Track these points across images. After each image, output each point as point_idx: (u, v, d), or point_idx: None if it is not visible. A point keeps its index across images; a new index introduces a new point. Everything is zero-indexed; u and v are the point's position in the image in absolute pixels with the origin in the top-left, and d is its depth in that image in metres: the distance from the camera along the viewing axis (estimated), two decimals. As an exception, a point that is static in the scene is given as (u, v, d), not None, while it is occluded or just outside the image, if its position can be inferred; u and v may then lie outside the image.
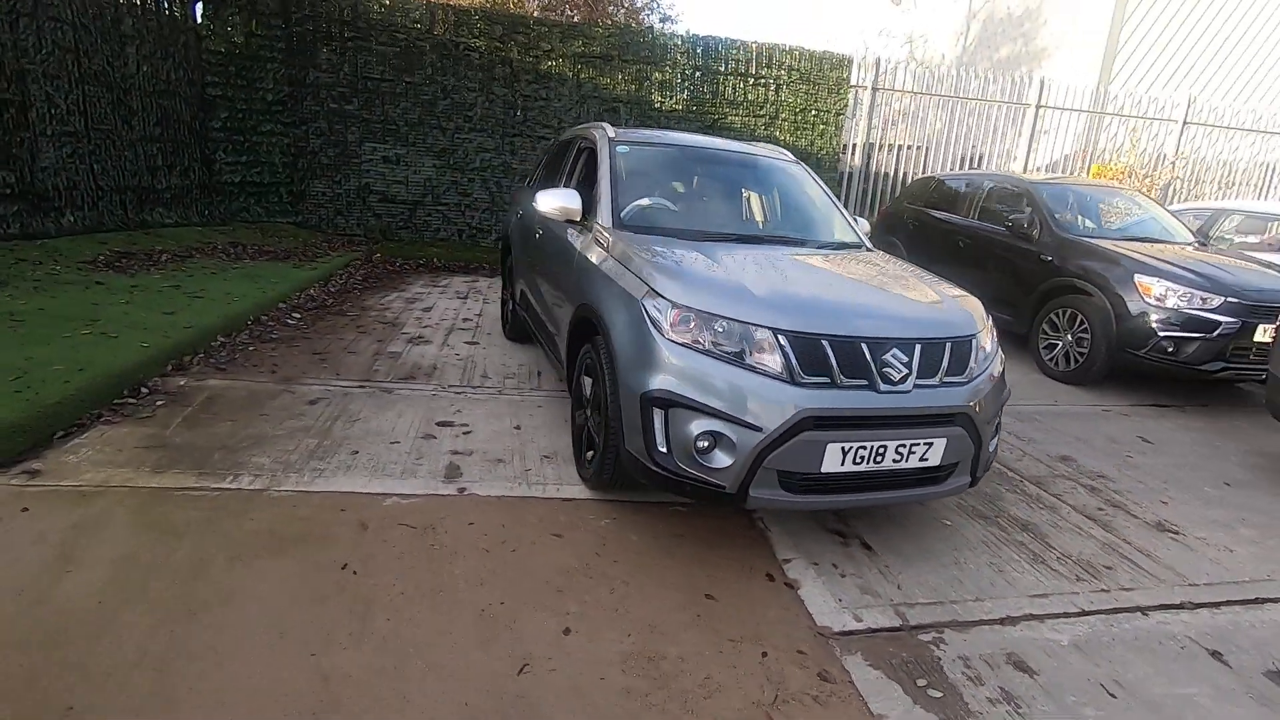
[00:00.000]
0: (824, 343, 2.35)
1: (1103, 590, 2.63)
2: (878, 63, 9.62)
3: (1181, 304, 4.77)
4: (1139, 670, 2.19)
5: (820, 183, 3.97)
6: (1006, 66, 13.45)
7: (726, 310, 2.39)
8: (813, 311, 2.46)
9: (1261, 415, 4.92)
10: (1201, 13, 12.17)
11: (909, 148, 10.16)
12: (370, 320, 5.48)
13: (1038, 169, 10.47)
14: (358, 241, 8.61)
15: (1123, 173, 9.80)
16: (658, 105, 9.12)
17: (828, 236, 3.57)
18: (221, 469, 2.86)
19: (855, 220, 3.80)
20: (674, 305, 2.44)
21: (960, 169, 10.03)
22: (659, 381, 2.39)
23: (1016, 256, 5.93)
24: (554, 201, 3.33)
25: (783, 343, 2.33)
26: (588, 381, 2.97)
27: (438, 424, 3.54)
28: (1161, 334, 4.79)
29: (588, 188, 3.80)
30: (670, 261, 2.75)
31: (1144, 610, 2.52)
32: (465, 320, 5.76)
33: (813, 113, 9.55)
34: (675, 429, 2.37)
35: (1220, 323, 4.67)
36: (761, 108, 9.40)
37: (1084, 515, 3.22)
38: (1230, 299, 4.68)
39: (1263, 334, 4.63)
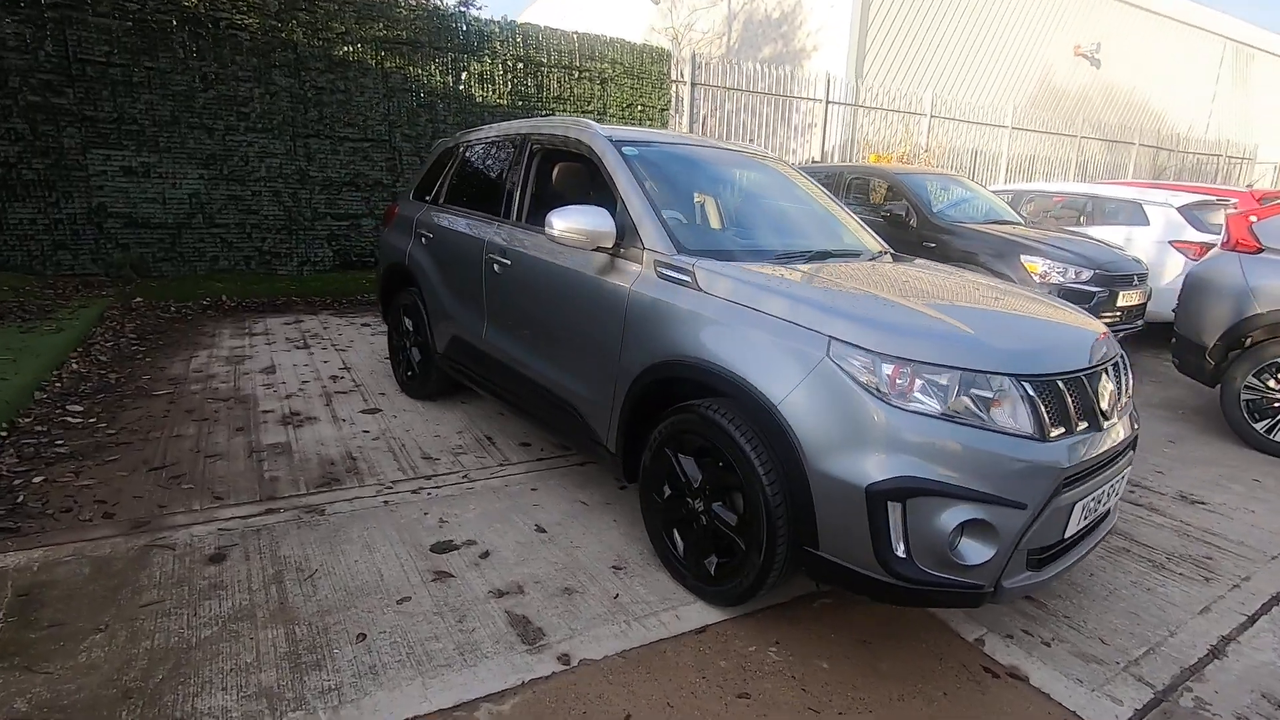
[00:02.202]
0: (1059, 383, 1.92)
1: (1232, 586, 2.60)
2: (693, 57, 9.58)
3: (1062, 280, 5.26)
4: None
5: (815, 182, 3.55)
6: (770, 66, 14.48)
7: (953, 357, 1.83)
8: (1037, 346, 2.01)
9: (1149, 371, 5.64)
10: (932, 17, 14.17)
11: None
12: (199, 398, 3.90)
13: (812, 159, 11.29)
14: (100, 283, 6.35)
15: (900, 160, 10.99)
16: (479, 100, 8.07)
17: (863, 244, 3.16)
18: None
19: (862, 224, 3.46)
20: (885, 358, 1.82)
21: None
22: (893, 465, 1.76)
23: (896, 247, 6.14)
24: (576, 223, 2.46)
25: (1028, 391, 1.84)
26: (685, 463, 2.22)
27: (434, 550, 2.47)
28: (1050, 308, 5.24)
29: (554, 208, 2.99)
30: (833, 297, 2.11)
31: (1285, 601, 2.52)
32: (334, 378, 4.40)
33: (639, 108, 9.21)
34: (918, 524, 1.77)
35: (1094, 293, 5.22)
36: (589, 103, 8.82)
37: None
38: (1098, 271, 5.26)
39: (1125, 299, 5.28)
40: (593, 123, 2.97)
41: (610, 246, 2.51)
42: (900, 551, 1.79)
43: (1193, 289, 4.21)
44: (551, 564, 2.44)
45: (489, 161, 3.53)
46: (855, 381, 1.82)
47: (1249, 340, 3.96)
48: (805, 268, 2.46)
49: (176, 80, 6.55)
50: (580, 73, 8.67)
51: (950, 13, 14.12)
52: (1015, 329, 2.15)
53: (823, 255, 2.73)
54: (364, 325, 5.94)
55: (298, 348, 5.10)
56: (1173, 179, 17.49)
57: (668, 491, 2.34)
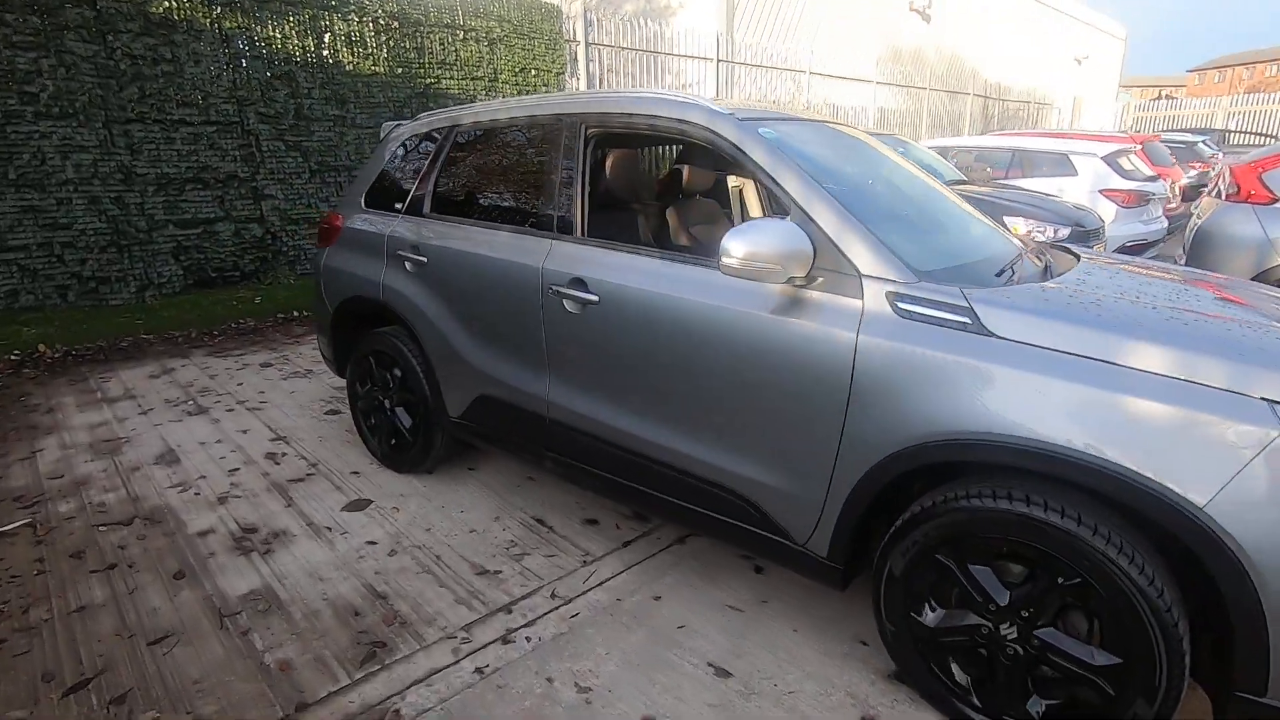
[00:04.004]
0: None
1: None
2: (585, 14, 8.61)
3: (1043, 238, 5.16)
4: None
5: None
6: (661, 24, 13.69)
7: None
8: None
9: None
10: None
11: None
12: (81, 526, 2.63)
13: None
14: None
15: (797, 121, 10.79)
16: (350, 68, 6.64)
17: (1009, 238, 2.57)
18: None
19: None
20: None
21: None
22: None
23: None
24: (767, 246, 1.69)
25: None
26: (979, 575, 1.59)
27: (609, 751, 1.66)
28: (1035, 270, 5.14)
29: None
30: (1234, 335, 1.52)
31: None
32: (273, 458, 3.23)
33: (533, 72, 8.14)
34: None
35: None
36: (479, 68, 7.63)
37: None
38: (1074, 227, 5.21)
39: (1098, 249, 5.30)
40: (699, 98, 2.15)
41: (802, 275, 1.76)
42: None
43: (1205, 243, 4.18)
44: (780, 732, 1.72)
45: (513, 155, 2.57)
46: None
47: (1270, 292, 3.98)
48: (1067, 282, 1.86)
49: (-85, 50, 4.64)
50: (466, 33, 7.43)
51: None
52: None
53: (1017, 261, 2.15)
54: (265, 366, 4.61)
55: (190, 414, 3.77)
56: (996, 126, 19.12)
57: (933, 612, 1.70)
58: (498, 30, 7.70)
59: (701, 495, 2.06)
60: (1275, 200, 3.95)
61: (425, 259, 2.66)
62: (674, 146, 3.70)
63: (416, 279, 2.71)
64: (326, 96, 6.51)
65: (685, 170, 3.02)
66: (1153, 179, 6.70)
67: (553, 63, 8.28)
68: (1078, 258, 2.27)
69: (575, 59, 8.65)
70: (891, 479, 1.68)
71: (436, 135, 2.82)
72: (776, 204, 1.95)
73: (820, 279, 1.78)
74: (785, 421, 1.82)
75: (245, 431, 3.53)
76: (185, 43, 5.67)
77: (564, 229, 2.30)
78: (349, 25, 6.57)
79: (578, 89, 8.75)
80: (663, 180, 3.02)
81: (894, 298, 1.68)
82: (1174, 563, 1.47)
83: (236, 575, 2.34)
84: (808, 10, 14.07)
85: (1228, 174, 4.28)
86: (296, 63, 6.30)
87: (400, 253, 2.76)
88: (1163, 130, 18.50)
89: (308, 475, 3.06)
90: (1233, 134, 17.95)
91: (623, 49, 9.15)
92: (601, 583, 2.32)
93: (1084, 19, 25.67)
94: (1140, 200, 6.33)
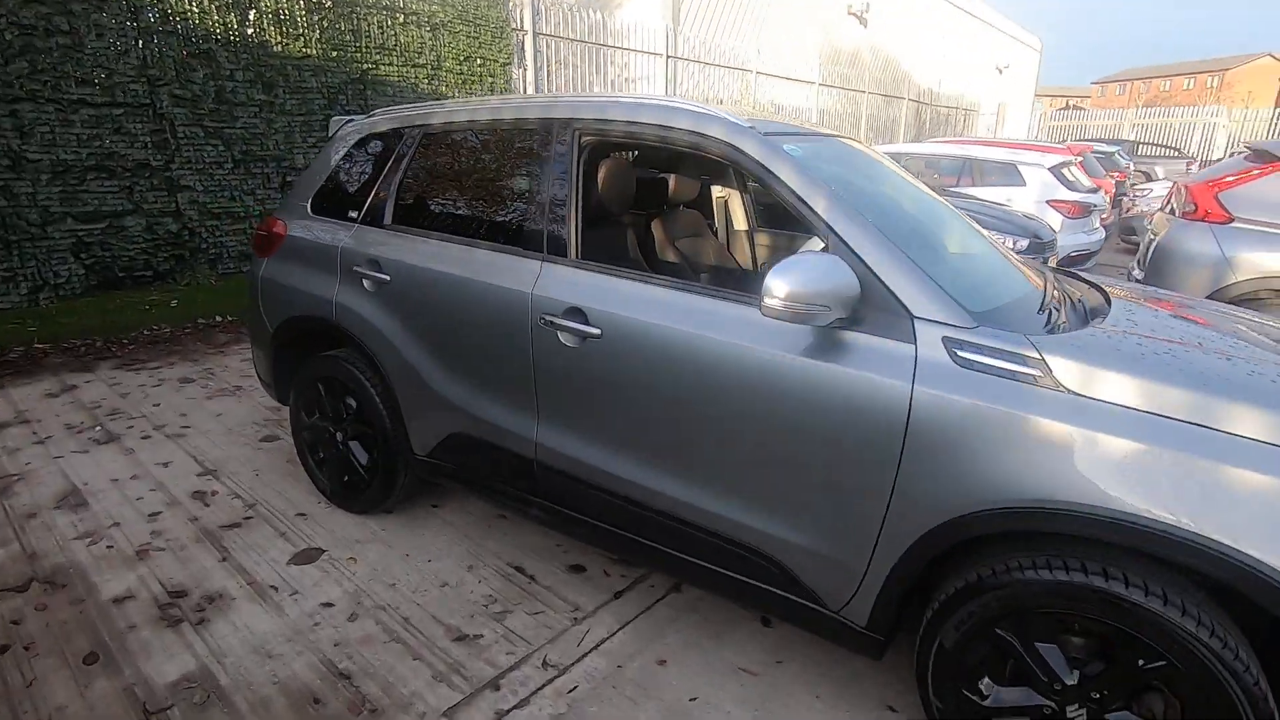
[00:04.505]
0: None
1: None
2: (533, 2, 8.22)
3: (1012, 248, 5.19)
4: None
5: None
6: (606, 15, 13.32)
7: None
8: None
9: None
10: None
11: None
12: (-37, 594, 2.19)
13: None
14: None
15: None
16: (278, 49, 6.07)
17: (1028, 277, 2.44)
18: None
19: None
20: None
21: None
22: None
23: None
24: (815, 284, 1.48)
25: None
26: (1046, 653, 1.45)
27: None
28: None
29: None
30: None
31: None
32: (200, 497, 2.82)
33: (479, 61, 7.71)
34: None
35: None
36: (420, 54, 7.15)
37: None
38: (1033, 239, 5.28)
39: (1050, 262, 5.38)
40: (717, 109, 1.92)
41: (847, 315, 1.56)
42: None
43: (1164, 260, 4.26)
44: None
45: (494, 162, 2.26)
46: None
47: (1225, 309, 4.08)
48: (1121, 325, 1.72)
49: None
50: (407, 16, 6.95)
51: (756, -34, 14.07)
52: None
53: (1052, 299, 2.01)
54: (185, 382, 4.11)
55: (99, 443, 3.29)
56: (929, 130, 19.71)
57: (991, 693, 1.54)
58: (441, 15, 7.24)
59: (720, 553, 1.85)
60: (1231, 219, 4.05)
61: (388, 277, 2.34)
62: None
63: (377, 300, 2.37)
64: (251, 79, 5.93)
65: (672, 180, 2.79)
66: (1094, 190, 6.91)
67: (499, 52, 7.87)
68: (1103, 293, 2.16)
69: (523, 49, 8.26)
70: (948, 547, 1.51)
71: (401, 135, 2.48)
72: (792, 224, 1.76)
73: (865, 319, 1.59)
74: (825, 478, 1.63)
75: (166, 464, 3.09)
76: (85, 13, 5.02)
77: (556, 249, 2.03)
78: (276, 1, 6.00)
79: (525, 80, 8.37)
80: (644, 188, 2.78)
81: (951, 344, 1.51)
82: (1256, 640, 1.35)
83: (164, 655, 1.97)
84: (751, 7, 14.04)
85: (1184, 192, 4.38)
86: (217, 40, 5.70)
87: (357, 268, 2.42)
88: (1075, 139, 19.51)
89: (245, 519, 2.68)
90: (1140, 145, 19.10)
91: (573, 40, 8.82)
92: (598, 645, 2.08)
93: (1005, 30, 26.82)
94: (1084, 212, 6.51)
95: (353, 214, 2.52)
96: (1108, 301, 2.01)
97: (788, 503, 1.70)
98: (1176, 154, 18.82)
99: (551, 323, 1.96)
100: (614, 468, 1.97)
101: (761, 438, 1.69)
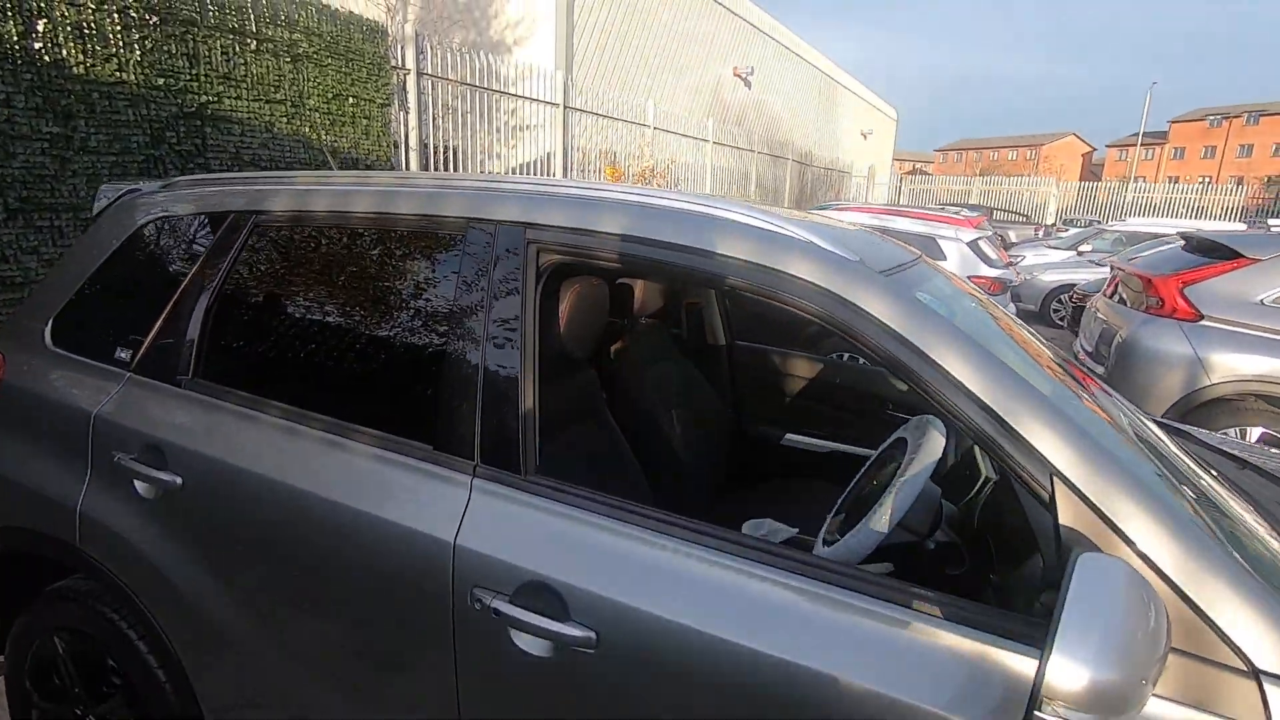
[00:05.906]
0: None
1: None
2: (417, 38, 7.28)
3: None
4: None
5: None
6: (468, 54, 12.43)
7: None
8: None
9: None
10: (629, 27, 13.64)
11: (457, 150, 8.26)
12: None
13: (524, 167, 9.69)
14: None
15: (647, 173, 10.22)
16: (77, 70, 4.74)
17: None
18: None
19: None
20: None
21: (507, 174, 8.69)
22: None
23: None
24: (1133, 652, 0.69)
25: None
26: None
27: None
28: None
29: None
30: None
31: None
32: None
33: (351, 100, 6.64)
34: None
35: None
36: (278, 89, 5.99)
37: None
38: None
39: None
40: (796, 230, 1.12)
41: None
42: None
43: (1130, 359, 3.96)
44: None
45: (381, 286, 1.33)
46: None
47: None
48: None
49: None
50: (260, 43, 5.79)
51: (644, 25, 13.97)
52: None
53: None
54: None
55: None
56: (810, 191, 20.42)
57: None
58: (304, 45, 6.13)
59: None
60: (1200, 317, 3.81)
61: (178, 479, 1.32)
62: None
63: (157, 515, 1.35)
64: (37, 106, 4.55)
65: (638, 287, 1.99)
66: (1006, 265, 6.86)
67: (376, 91, 6.84)
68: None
69: (405, 89, 7.27)
70: None
71: (219, 222, 1.49)
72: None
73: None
74: None
75: None
76: None
77: (496, 458, 1.13)
78: (80, 13, 4.69)
79: (407, 125, 7.35)
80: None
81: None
82: None
83: None
84: (644, 60, 13.82)
85: (1137, 282, 4.15)
86: (-14, 54, 4.31)
87: (124, 458, 1.37)
88: (932, 205, 20.92)
89: None
90: (995, 211, 20.78)
91: (463, 84, 7.93)
92: None
93: (867, 99, 28.86)
94: (1003, 288, 6.39)
95: (123, 354, 1.48)
96: None
97: None
98: (1025, 220, 20.62)
99: (498, 612, 1.04)
100: None
101: None
